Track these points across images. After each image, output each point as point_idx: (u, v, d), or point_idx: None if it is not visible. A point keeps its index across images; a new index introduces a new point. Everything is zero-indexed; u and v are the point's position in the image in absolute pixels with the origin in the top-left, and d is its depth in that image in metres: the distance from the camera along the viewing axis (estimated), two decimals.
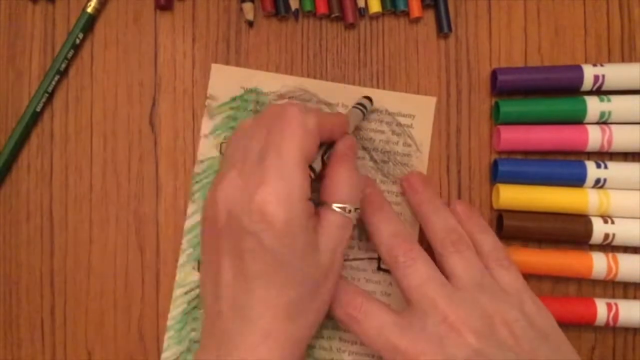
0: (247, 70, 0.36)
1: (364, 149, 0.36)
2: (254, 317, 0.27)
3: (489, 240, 0.32)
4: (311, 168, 0.29)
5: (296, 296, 0.28)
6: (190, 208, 0.36)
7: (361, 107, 0.34)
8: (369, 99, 0.35)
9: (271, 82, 0.36)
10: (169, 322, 0.35)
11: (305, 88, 0.36)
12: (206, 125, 0.36)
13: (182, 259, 0.35)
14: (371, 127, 0.36)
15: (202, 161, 0.36)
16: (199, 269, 0.35)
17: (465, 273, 0.30)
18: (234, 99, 0.36)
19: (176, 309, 0.35)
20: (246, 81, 0.36)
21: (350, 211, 0.30)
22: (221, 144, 0.36)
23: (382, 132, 0.36)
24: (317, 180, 0.30)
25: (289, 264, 0.27)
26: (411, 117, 0.36)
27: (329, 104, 0.36)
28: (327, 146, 0.31)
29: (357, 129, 0.36)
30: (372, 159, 0.36)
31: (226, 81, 0.36)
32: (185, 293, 0.35)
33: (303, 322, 0.28)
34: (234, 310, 0.28)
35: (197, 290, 0.35)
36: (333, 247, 0.29)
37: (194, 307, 0.35)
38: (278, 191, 0.27)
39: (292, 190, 0.27)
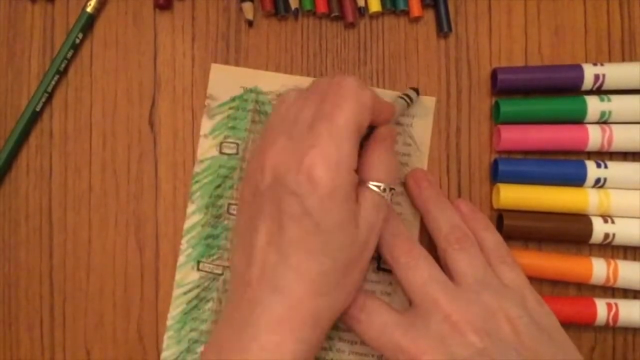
0: (247, 69, 0.36)
1: None
2: (282, 286, 0.27)
3: (491, 237, 0.33)
4: None
5: (329, 267, 0.27)
6: (190, 208, 0.36)
7: (407, 98, 0.34)
8: (416, 90, 0.35)
9: (271, 82, 0.36)
10: (169, 322, 0.35)
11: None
12: (206, 125, 0.36)
13: (181, 259, 0.35)
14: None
15: (201, 161, 0.36)
16: (198, 269, 0.35)
17: (469, 269, 0.30)
18: (233, 99, 0.36)
19: (176, 309, 0.35)
20: (246, 81, 0.36)
21: (385, 190, 0.30)
22: (221, 143, 0.36)
23: None
24: None
25: (327, 232, 0.27)
26: (411, 116, 0.36)
27: None
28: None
29: None
30: None
31: (226, 81, 0.36)
32: (185, 293, 0.35)
33: (330, 298, 0.28)
34: (264, 279, 0.28)
35: (197, 290, 0.35)
36: (369, 225, 0.29)
37: (194, 307, 0.35)
38: (328, 156, 0.27)
39: (341, 157, 0.27)
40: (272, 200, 0.28)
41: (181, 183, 0.36)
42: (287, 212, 0.27)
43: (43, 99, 0.36)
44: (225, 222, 0.35)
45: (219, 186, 0.36)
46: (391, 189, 0.30)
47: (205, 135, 0.36)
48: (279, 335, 0.27)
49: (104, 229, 0.36)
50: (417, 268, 0.30)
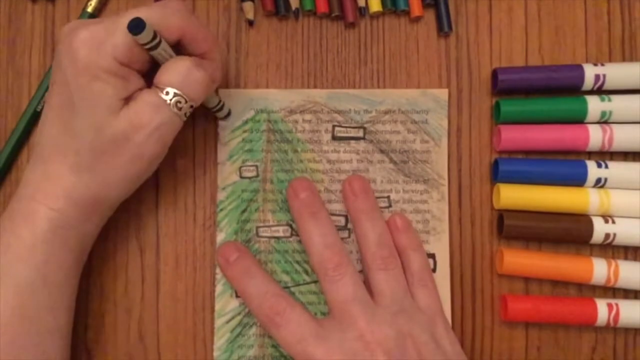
0: (255, 90, 0.36)
1: (382, 151, 0.36)
2: (43, 154, 0.30)
3: (418, 259, 0.34)
4: (154, 34, 0.28)
5: (80, 145, 0.29)
6: (219, 236, 0.35)
7: None
8: None
9: (280, 99, 0.36)
10: (216, 353, 0.35)
11: (315, 100, 0.36)
12: (222, 152, 0.36)
13: (218, 288, 0.35)
14: (386, 129, 0.36)
15: (223, 188, 0.35)
16: (236, 296, 0.35)
17: (389, 291, 0.32)
18: (245, 122, 0.36)
19: (220, 339, 0.35)
20: (256, 102, 0.36)
21: (169, 94, 0.29)
22: (240, 168, 0.36)
23: (398, 132, 0.36)
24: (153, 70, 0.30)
25: (77, 108, 0.28)
26: (425, 112, 0.36)
27: (340, 112, 0.36)
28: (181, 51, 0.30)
29: (373, 132, 0.36)
30: (391, 160, 0.36)
31: (236, 105, 0.36)
32: (227, 322, 0.35)
33: (84, 179, 0.29)
34: (34, 146, 0.30)
35: (239, 317, 0.35)
36: (137, 122, 0.29)
37: (238, 335, 0.35)
38: (94, 36, 0.28)
39: (106, 40, 0.28)
40: (54, 69, 0.30)
41: (181, 182, 0.36)
42: (54, 80, 0.29)
43: (44, 99, 0.36)
44: (257, 245, 0.35)
45: (244, 211, 0.35)
46: (186, 100, 0.29)
47: (223, 162, 0.36)
48: (35, 200, 0.29)
49: (104, 229, 0.35)
50: (342, 283, 0.31)
